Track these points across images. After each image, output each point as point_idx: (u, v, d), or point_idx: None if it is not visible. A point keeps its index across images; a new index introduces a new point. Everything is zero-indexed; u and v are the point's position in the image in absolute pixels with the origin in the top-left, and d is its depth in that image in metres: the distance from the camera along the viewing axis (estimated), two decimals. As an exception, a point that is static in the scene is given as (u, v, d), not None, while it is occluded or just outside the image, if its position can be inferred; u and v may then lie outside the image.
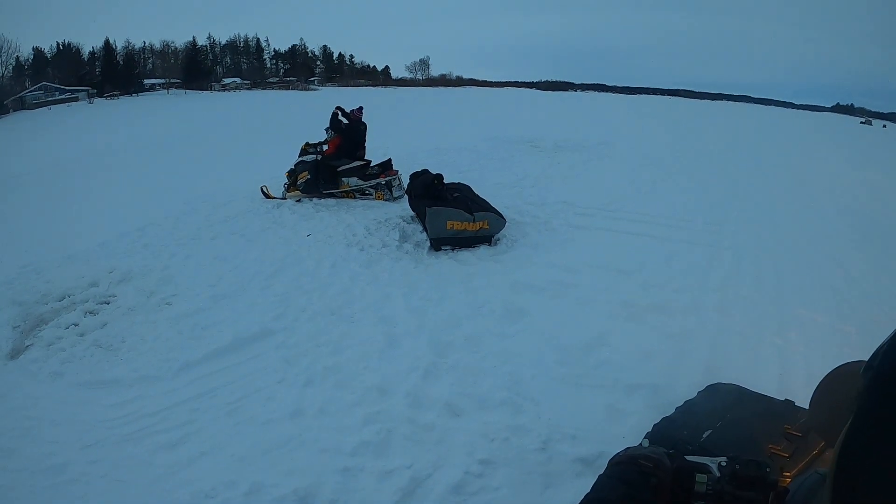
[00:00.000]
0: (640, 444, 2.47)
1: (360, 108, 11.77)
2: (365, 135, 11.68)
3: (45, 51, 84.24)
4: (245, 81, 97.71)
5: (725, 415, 2.56)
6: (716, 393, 2.86)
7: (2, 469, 4.15)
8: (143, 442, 4.35)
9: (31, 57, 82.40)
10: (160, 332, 6.04)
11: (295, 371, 5.14)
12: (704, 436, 2.41)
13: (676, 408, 2.75)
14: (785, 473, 2.02)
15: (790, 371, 4.98)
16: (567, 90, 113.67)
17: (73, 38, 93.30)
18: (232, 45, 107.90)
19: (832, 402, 0.86)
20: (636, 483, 1.40)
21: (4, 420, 4.73)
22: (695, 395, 2.90)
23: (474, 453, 4.00)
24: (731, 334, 5.68)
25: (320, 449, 4.10)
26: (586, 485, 3.68)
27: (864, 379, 0.66)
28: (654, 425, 2.62)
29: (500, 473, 3.83)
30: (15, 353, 5.90)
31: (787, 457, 2.17)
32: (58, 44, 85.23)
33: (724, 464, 1.67)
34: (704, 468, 1.62)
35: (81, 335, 6.13)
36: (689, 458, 1.65)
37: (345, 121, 11.44)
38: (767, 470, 1.61)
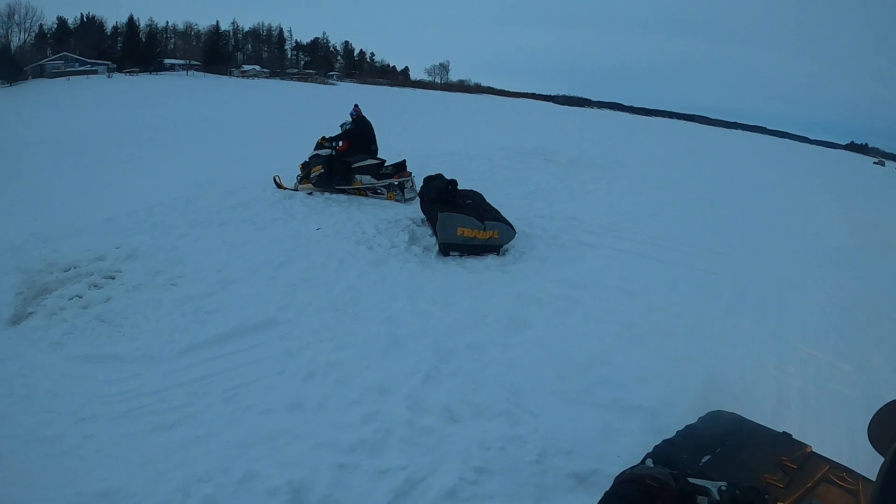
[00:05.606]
0: (644, 463, 2.51)
1: (356, 105, 11.89)
2: (373, 129, 11.75)
3: (69, 22, 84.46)
4: (264, 70, 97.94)
5: (724, 442, 2.59)
6: (716, 419, 2.89)
7: (-5, 435, 4.16)
8: (139, 420, 4.35)
9: (55, 26, 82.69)
10: (164, 313, 6.04)
11: (297, 364, 5.13)
12: (703, 460, 2.43)
13: (677, 431, 2.77)
14: (779, 503, 2.05)
15: (786, 405, 5.00)
16: (583, 106, 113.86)
17: (98, 12, 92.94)
18: (255, 33, 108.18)
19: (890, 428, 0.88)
20: (642, 502, 1.40)
21: (1, 385, 4.74)
22: (695, 419, 2.92)
23: (470, 460, 4.00)
24: (730, 364, 5.64)
25: (317, 443, 4.09)
26: (578, 500, 3.67)
27: None
28: (655, 446, 2.65)
29: (494, 482, 3.84)
30: (17, 320, 5.90)
31: (782, 487, 2.22)
32: (82, 15, 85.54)
33: (724, 488, 1.70)
34: (705, 491, 1.66)
35: (85, 308, 6.13)
36: (691, 480, 1.67)
37: (348, 125, 11.58)
38: (766, 497, 1.63)
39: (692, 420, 2.94)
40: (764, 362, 5.82)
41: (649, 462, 2.49)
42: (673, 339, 6.06)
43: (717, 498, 1.67)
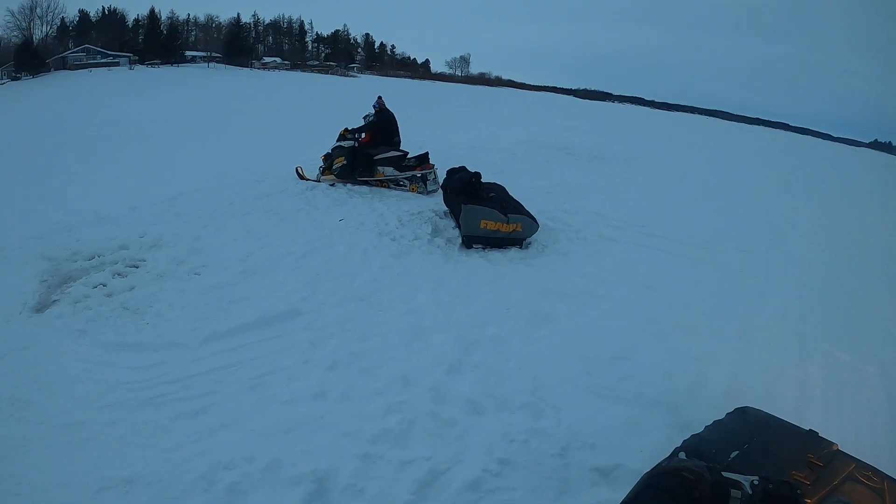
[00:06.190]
0: (678, 456, 2.50)
1: (379, 97, 11.93)
2: (396, 121, 11.76)
3: (91, 14, 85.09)
4: (285, 62, 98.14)
5: (752, 438, 2.66)
6: (744, 416, 2.95)
7: (19, 420, 4.19)
8: (163, 408, 4.36)
9: (77, 19, 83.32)
10: (188, 301, 6.06)
11: (320, 353, 5.13)
12: (732, 455, 2.48)
13: (706, 426, 2.86)
14: (806, 500, 2.05)
15: (808, 404, 4.93)
16: (605, 100, 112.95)
17: (119, 4, 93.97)
18: (275, 25, 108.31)
19: None
20: (679, 494, 1.40)
21: (26, 372, 4.77)
22: (719, 416, 2.99)
23: (493, 452, 4.00)
24: (752, 362, 5.59)
25: (341, 433, 4.09)
26: (602, 494, 3.64)
27: None
28: (685, 441, 2.74)
29: (518, 475, 3.83)
30: (41, 307, 5.95)
31: (809, 484, 2.28)
32: (104, 8, 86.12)
33: (756, 482, 1.70)
34: (738, 485, 1.66)
35: (109, 296, 6.17)
36: (724, 474, 1.68)
37: (371, 117, 11.59)
38: (798, 492, 1.62)
39: (715, 416, 2.98)
40: (786, 361, 5.75)
41: (682, 455, 2.50)
42: (695, 336, 6.02)
43: (750, 492, 1.68)
